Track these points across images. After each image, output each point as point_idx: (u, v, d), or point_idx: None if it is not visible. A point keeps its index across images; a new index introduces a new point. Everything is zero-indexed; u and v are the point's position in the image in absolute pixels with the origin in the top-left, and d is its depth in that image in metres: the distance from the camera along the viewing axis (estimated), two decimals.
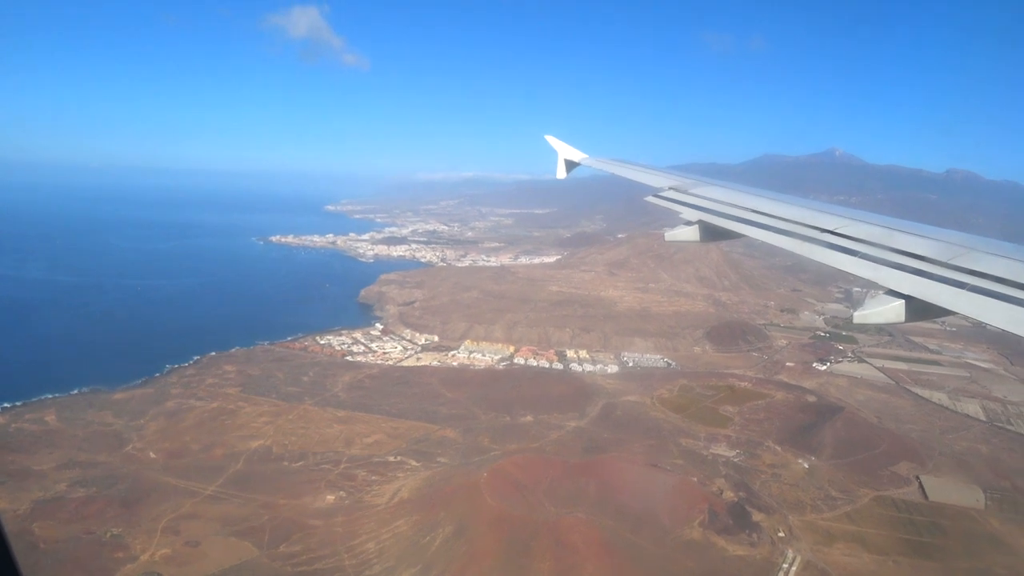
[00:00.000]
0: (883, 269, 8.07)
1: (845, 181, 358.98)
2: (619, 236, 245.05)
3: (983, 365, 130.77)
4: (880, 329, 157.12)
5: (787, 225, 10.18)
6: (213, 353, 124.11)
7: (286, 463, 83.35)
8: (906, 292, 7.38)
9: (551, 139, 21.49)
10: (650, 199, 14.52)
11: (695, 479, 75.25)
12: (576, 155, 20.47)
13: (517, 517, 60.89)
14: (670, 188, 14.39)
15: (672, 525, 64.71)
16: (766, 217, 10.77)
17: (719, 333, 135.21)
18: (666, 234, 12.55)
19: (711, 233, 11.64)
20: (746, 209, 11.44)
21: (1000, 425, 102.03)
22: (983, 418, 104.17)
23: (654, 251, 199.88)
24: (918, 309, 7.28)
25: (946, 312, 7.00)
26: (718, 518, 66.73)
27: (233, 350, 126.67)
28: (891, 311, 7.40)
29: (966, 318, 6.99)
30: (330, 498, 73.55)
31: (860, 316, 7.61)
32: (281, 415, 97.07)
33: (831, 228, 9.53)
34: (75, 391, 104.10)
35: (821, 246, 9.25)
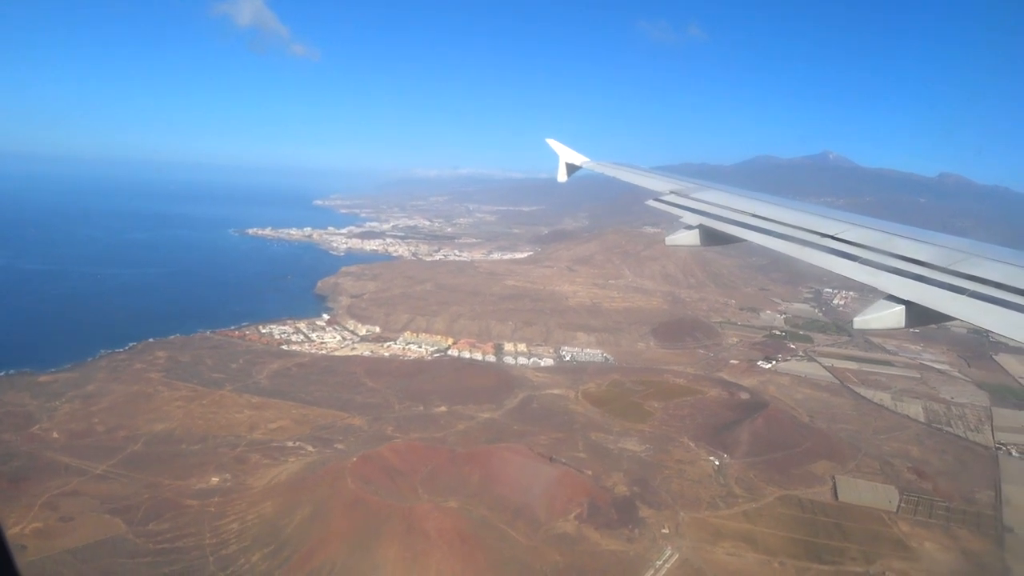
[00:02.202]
0: (883, 274, 7.91)
1: (836, 184, 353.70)
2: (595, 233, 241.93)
3: (938, 367, 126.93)
4: (839, 329, 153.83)
5: (788, 230, 10.07)
6: (151, 339, 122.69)
7: (184, 446, 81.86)
8: (906, 298, 7.21)
9: (552, 143, 21.07)
10: (651, 203, 14.37)
11: (589, 473, 72.42)
12: (577, 159, 20.13)
13: (374, 502, 58.62)
14: (671, 192, 14.16)
15: (547, 518, 61.97)
16: (767, 222, 10.68)
17: (666, 330, 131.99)
18: (667, 238, 12.36)
19: (712, 237, 11.48)
20: (747, 214, 11.34)
21: (938, 427, 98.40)
22: (922, 420, 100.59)
23: (622, 247, 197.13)
24: (918, 315, 7.14)
25: (946, 318, 6.89)
26: (600, 512, 63.89)
27: (172, 337, 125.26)
28: (891, 317, 7.23)
29: (965, 324, 6.88)
30: (215, 480, 72.75)
31: (860, 322, 7.42)
32: (196, 400, 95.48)
33: (832, 233, 9.37)
34: (1, 373, 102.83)
35: (821, 251, 9.10)
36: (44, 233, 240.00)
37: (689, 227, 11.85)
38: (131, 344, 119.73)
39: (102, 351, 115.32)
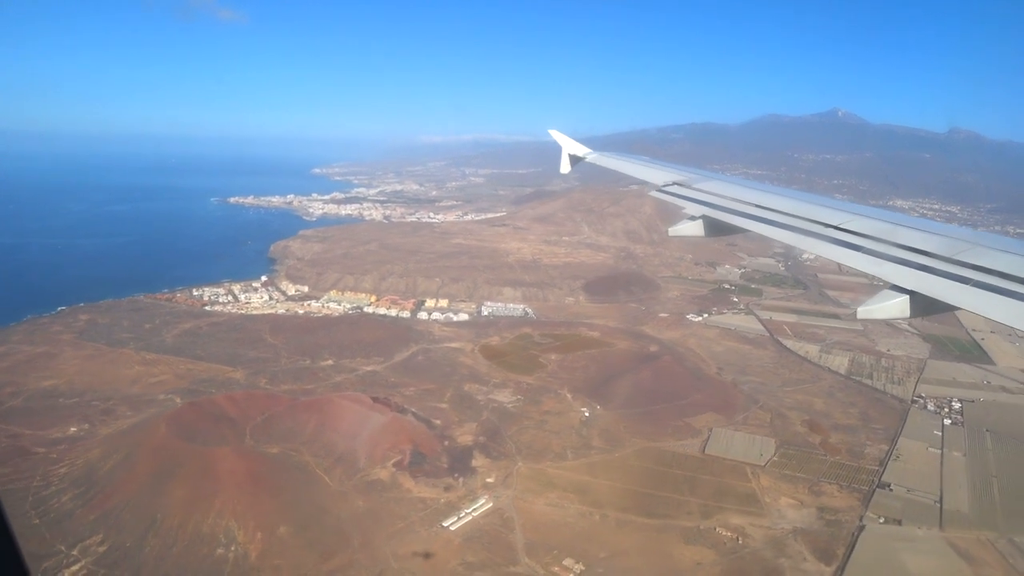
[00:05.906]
0: (887, 265, 7.90)
1: (841, 141, 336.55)
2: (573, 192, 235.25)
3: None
4: (796, 282, 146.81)
5: (791, 220, 10.05)
6: (82, 304, 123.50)
7: (62, 400, 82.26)
8: (910, 288, 7.15)
9: (555, 134, 21.52)
10: (654, 194, 14.52)
11: (438, 422, 69.95)
12: (580, 150, 20.80)
13: (176, 446, 57.66)
14: (673, 183, 14.19)
15: (366, 464, 60.03)
16: (770, 212, 10.70)
17: (600, 284, 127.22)
18: (670, 229, 12.39)
19: (715, 228, 11.49)
20: (750, 204, 11.43)
21: (858, 379, 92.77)
22: (843, 372, 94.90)
23: (586, 205, 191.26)
24: (922, 304, 7.08)
25: (949, 307, 6.92)
26: (424, 460, 61.50)
27: (102, 301, 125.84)
28: (895, 307, 7.13)
29: (970, 313, 6.83)
30: (72, 430, 73.59)
31: (864, 312, 7.27)
32: (95, 358, 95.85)
33: (835, 223, 9.39)
34: None
35: (825, 241, 9.08)
36: (23, 208, 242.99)
37: (692, 218, 11.80)
38: (60, 308, 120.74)
39: (29, 315, 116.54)
